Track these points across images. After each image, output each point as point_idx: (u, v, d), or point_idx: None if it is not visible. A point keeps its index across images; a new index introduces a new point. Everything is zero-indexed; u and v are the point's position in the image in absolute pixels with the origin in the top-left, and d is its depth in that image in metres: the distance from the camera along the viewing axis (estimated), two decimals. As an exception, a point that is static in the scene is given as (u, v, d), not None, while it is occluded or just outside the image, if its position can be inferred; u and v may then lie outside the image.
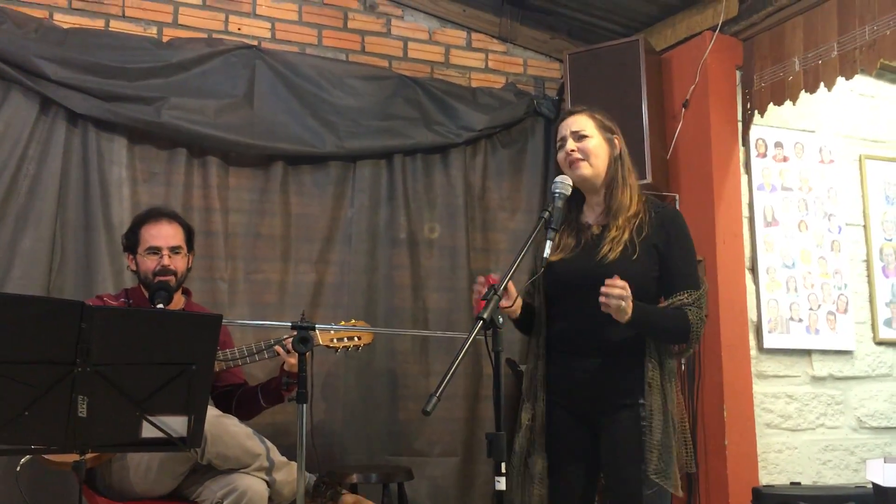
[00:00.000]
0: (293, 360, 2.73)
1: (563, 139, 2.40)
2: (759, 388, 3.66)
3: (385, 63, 3.97)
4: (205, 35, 3.65)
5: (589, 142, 2.37)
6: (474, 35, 4.15)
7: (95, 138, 3.35)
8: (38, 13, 3.40)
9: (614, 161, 2.38)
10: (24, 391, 1.94)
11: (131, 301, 2.90)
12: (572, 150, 2.36)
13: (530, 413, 2.37)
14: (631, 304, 2.15)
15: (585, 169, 2.35)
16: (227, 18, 3.72)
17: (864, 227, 4.05)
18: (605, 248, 2.29)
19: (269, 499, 2.66)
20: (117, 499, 2.67)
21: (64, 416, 1.99)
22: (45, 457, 2.53)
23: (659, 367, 2.26)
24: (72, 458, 2.13)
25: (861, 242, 4.04)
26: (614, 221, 2.32)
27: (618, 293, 2.14)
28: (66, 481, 2.96)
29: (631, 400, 2.26)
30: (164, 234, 2.88)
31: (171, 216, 2.97)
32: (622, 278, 2.18)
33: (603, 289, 2.14)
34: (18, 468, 2.67)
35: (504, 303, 2.16)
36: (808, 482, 3.63)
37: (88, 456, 2.21)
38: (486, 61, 4.18)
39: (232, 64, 3.59)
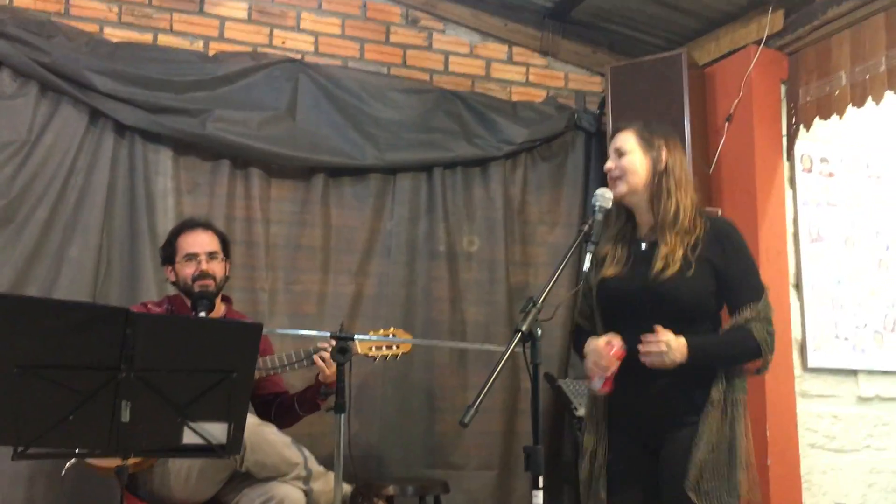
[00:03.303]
0: (329, 370, 2.75)
1: (609, 156, 2.43)
2: (803, 407, 3.59)
3: (426, 77, 3.98)
4: (250, 49, 3.71)
5: (626, 159, 2.37)
6: (515, 49, 4.15)
7: (142, 149, 3.41)
8: (89, 27, 3.48)
9: (657, 176, 2.35)
10: (69, 395, 1.98)
11: (173, 308, 2.95)
12: (610, 168, 2.40)
13: (593, 439, 2.35)
14: (678, 352, 2.15)
15: (621, 187, 2.36)
16: (271, 33, 3.77)
17: (914, 244, 3.96)
18: (659, 265, 2.24)
19: (306, 508, 2.67)
20: (158, 504, 2.71)
21: (108, 420, 2.02)
22: (89, 461, 2.57)
23: (725, 386, 2.21)
24: (115, 462, 2.16)
25: (910, 260, 3.95)
26: (663, 237, 2.29)
27: (657, 350, 2.15)
28: (109, 486, 2.99)
29: (691, 418, 2.21)
30: (200, 241, 2.95)
31: (205, 225, 3.04)
32: (678, 296, 2.20)
33: (641, 347, 2.17)
34: (63, 472, 2.72)
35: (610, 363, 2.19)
36: (854, 505, 3.55)
37: (131, 461, 2.25)
38: (527, 75, 4.17)
39: (276, 77, 3.63)
